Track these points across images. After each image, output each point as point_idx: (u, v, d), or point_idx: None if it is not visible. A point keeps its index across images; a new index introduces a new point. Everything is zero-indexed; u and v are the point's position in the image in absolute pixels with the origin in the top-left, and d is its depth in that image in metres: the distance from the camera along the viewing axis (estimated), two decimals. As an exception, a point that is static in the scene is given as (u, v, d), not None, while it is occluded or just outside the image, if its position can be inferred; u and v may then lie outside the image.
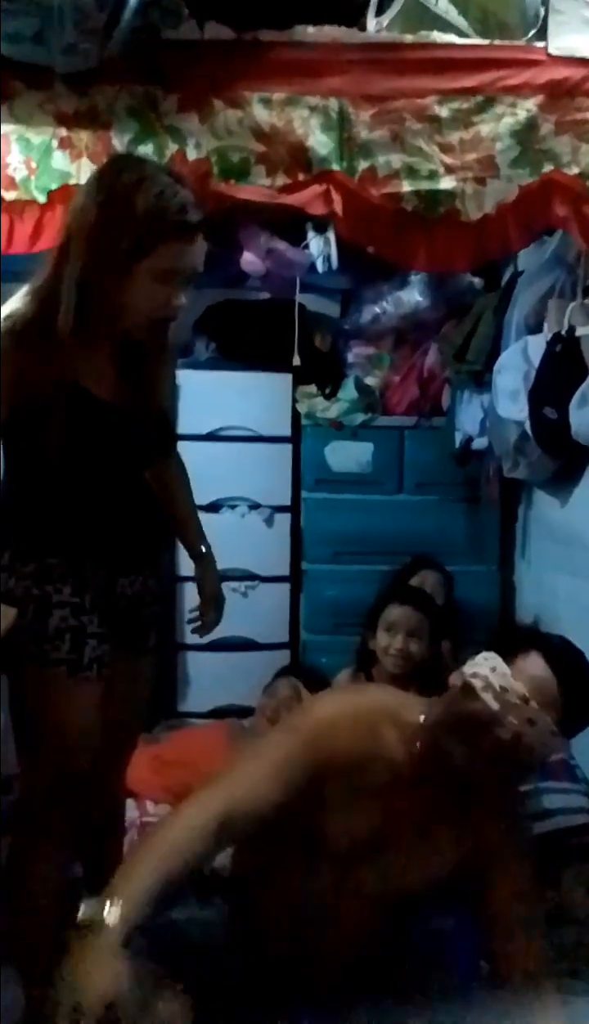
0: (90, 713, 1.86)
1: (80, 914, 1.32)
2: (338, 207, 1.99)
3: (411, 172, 1.99)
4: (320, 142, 1.98)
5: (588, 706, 1.56)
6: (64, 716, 1.83)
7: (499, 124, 2.00)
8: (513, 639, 1.59)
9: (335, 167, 1.98)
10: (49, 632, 1.81)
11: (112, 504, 1.87)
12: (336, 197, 1.99)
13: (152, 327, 1.78)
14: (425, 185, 2.00)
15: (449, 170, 2.00)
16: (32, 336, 1.73)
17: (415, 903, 1.71)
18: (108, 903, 1.31)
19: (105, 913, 1.30)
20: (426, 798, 1.58)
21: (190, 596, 3.68)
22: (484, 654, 1.57)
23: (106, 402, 1.80)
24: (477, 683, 1.51)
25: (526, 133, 2.01)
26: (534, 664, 1.53)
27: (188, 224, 1.68)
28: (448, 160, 2.00)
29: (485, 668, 1.53)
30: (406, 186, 1.99)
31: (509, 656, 1.54)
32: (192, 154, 1.97)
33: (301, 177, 1.99)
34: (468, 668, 1.55)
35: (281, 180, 1.99)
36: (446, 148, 2.00)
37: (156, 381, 1.91)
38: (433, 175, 2.00)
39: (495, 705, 1.48)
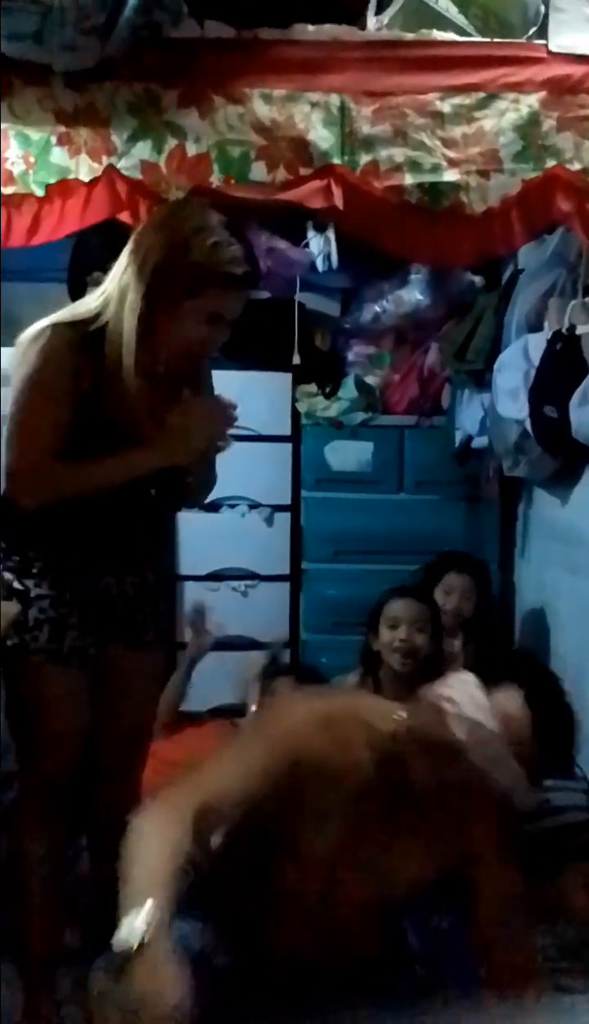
0: (75, 702, 1.93)
1: (115, 942, 1.28)
2: (339, 201, 1.99)
3: (414, 166, 1.99)
4: (321, 136, 1.97)
5: (560, 752, 1.53)
6: (47, 704, 1.91)
7: (502, 119, 2.00)
8: (498, 666, 1.55)
9: (336, 161, 1.98)
10: (29, 623, 1.89)
11: (102, 511, 1.91)
12: (337, 191, 1.98)
13: (187, 361, 1.96)
14: (429, 178, 1.99)
15: (452, 164, 1.99)
16: (76, 348, 1.87)
17: (403, 908, 1.68)
18: (136, 916, 1.28)
19: (139, 925, 1.27)
20: (398, 804, 1.54)
21: (190, 596, 3.71)
22: (464, 676, 1.53)
23: (125, 433, 1.89)
24: (449, 708, 1.47)
25: (528, 128, 2.00)
26: (512, 700, 1.48)
27: (235, 277, 1.87)
28: (451, 154, 1.99)
29: (462, 694, 1.48)
30: (409, 179, 1.99)
31: (490, 683, 1.50)
32: (192, 149, 1.97)
33: (302, 172, 1.98)
34: (445, 689, 1.51)
35: (282, 175, 1.98)
36: (449, 142, 1.99)
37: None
38: (436, 168, 1.99)
39: (463, 737, 1.44)
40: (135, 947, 1.26)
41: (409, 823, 1.55)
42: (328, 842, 1.54)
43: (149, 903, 1.29)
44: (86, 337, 1.87)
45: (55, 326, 1.89)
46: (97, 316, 1.88)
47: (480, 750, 1.44)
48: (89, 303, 1.93)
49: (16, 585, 1.90)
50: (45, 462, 1.85)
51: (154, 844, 1.39)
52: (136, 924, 1.27)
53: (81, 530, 1.91)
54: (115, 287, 1.88)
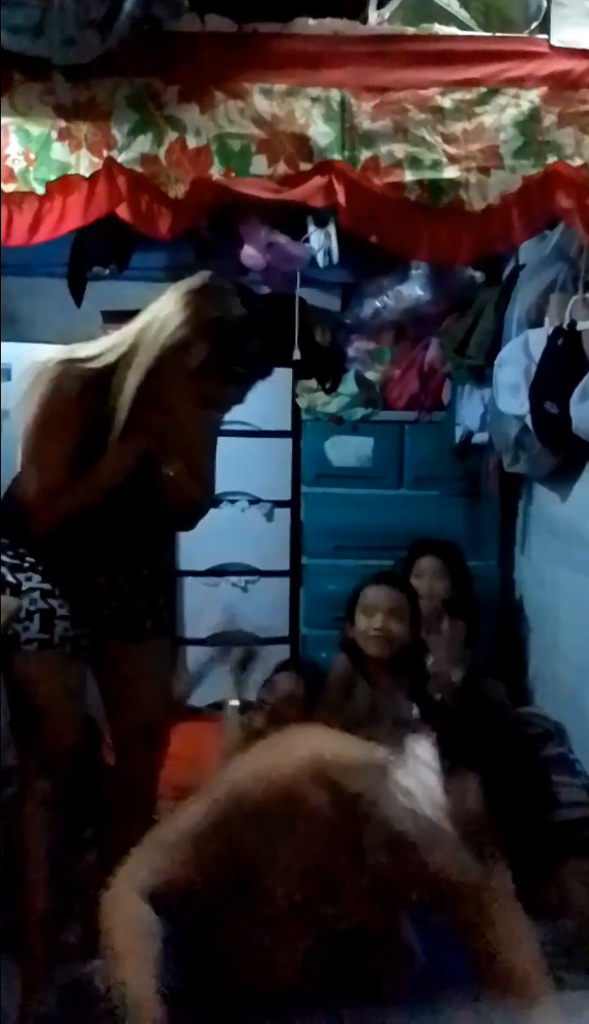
0: (68, 689, 2.01)
1: None
2: (340, 197, 1.98)
3: (414, 162, 1.98)
4: (321, 132, 1.97)
5: (522, 839, 1.48)
6: (40, 690, 1.99)
7: (502, 115, 1.99)
8: (457, 749, 1.48)
9: (337, 157, 1.97)
10: (22, 615, 1.97)
11: (90, 519, 1.97)
12: (338, 187, 1.98)
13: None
14: (429, 175, 1.99)
15: (453, 160, 1.99)
16: (84, 389, 1.92)
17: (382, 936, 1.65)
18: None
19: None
20: (361, 854, 1.48)
21: (190, 591, 3.71)
22: (423, 756, 1.46)
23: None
24: (405, 803, 1.42)
25: (529, 124, 2.00)
26: (470, 791, 1.42)
27: (240, 375, 1.93)
28: (451, 150, 1.99)
29: (414, 781, 1.43)
30: (409, 176, 1.98)
31: (449, 767, 1.44)
32: (192, 143, 1.97)
33: (302, 166, 1.98)
34: (400, 774, 1.45)
35: (282, 169, 1.98)
36: (449, 138, 1.99)
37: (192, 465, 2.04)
38: (437, 165, 1.99)
39: (412, 832, 1.40)
40: None
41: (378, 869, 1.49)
42: (294, 895, 1.51)
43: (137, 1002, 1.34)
44: (93, 377, 1.92)
45: (65, 364, 1.93)
46: (106, 359, 1.93)
47: (430, 848, 1.40)
48: (101, 345, 1.97)
49: (9, 579, 1.99)
50: (55, 492, 1.93)
51: (124, 924, 1.45)
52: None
53: (70, 538, 1.98)
54: (129, 343, 1.92)
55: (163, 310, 1.92)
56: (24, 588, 1.99)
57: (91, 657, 2.06)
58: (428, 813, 1.41)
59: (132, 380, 1.89)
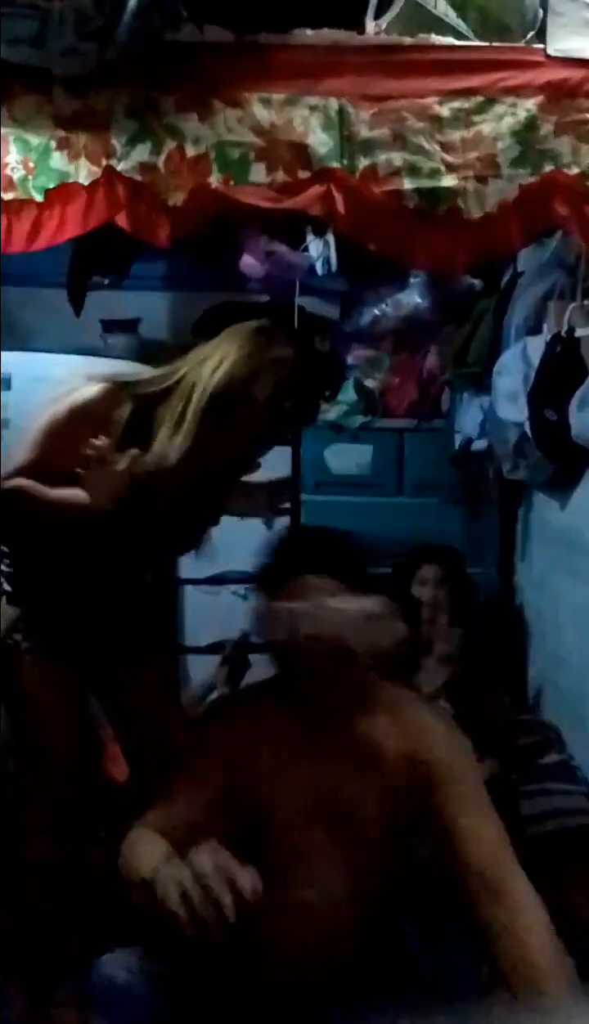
0: (66, 698, 2.01)
1: None
2: (339, 205, 1.99)
3: (413, 170, 1.99)
4: (320, 140, 1.98)
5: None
6: (38, 700, 1.99)
7: (500, 124, 2.00)
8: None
9: (335, 165, 1.98)
10: (19, 624, 1.98)
11: (92, 533, 1.96)
12: (337, 195, 1.99)
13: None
14: (427, 183, 2.00)
15: (451, 168, 2.00)
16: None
17: (393, 899, 1.70)
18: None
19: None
20: (336, 749, 1.61)
21: (190, 602, 3.70)
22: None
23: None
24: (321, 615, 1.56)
25: (527, 133, 2.01)
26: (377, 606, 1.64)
27: (292, 415, 2.21)
28: (449, 158, 2.00)
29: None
30: (408, 184, 1.99)
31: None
32: (191, 151, 1.97)
33: (301, 175, 1.99)
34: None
35: (281, 177, 1.99)
36: (447, 147, 2.00)
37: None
38: (435, 173, 2.00)
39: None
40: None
41: (359, 758, 1.62)
42: (297, 800, 1.60)
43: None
44: (142, 403, 1.97)
45: (116, 383, 1.99)
46: (152, 387, 1.99)
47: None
48: (155, 373, 2.03)
49: (6, 587, 2.00)
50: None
51: (138, 845, 1.52)
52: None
53: (68, 548, 1.97)
54: (179, 374, 1.99)
55: (222, 346, 1.99)
56: (21, 597, 2.00)
57: (90, 667, 2.05)
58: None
59: (193, 408, 1.94)
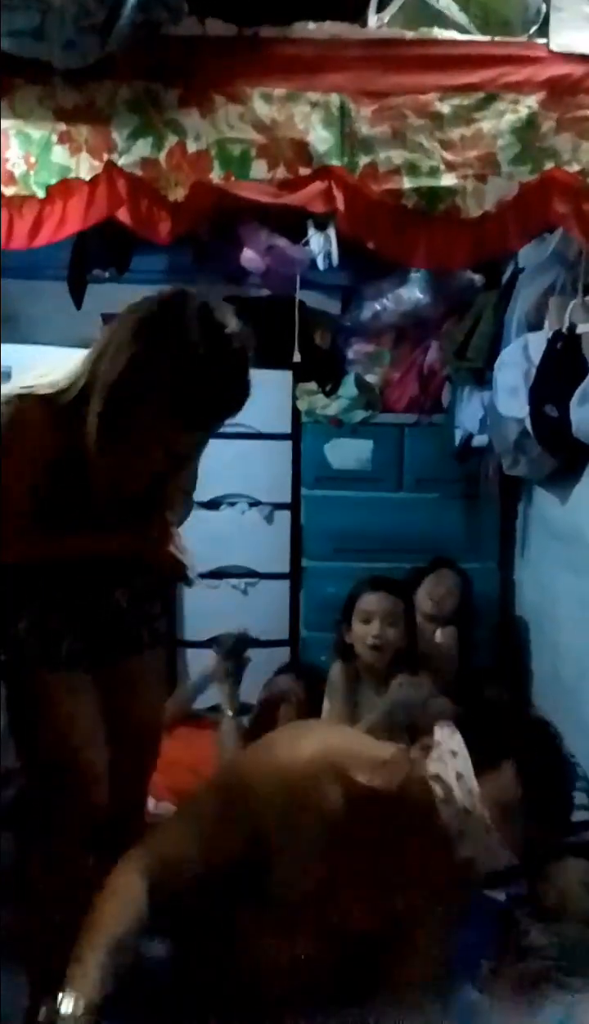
0: (77, 707, 1.90)
1: (40, 1017, 1.32)
2: (339, 203, 1.99)
3: (412, 168, 1.99)
4: (321, 137, 1.97)
5: (555, 828, 1.49)
6: (48, 709, 1.88)
7: (500, 121, 2.00)
8: (492, 740, 1.49)
9: (336, 162, 1.98)
10: (22, 634, 1.88)
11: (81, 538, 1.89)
12: (337, 193, 1.99)
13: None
14: (426, 182, 2.00)
15: (450, 167, 2.00)
16: (44, 424, 1.75)
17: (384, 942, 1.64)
18: (67, 997, 1.31)
19: (67, 1008, 1.30)
20: (370, 852, 1.51)
21: (190, 596, 3.70)
22: (452, 745, 1.46)
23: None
24: (437, 790, 1.42)
25: (527, 130, 2.00)
26: (505, 779, 1.42)
27: (197, 421, 1.73)
28: (449, 157, 1.99)
29: (450, 773, 1.42)
30: (407, 183, 1.99)
31: (482, 758, 1.44)
32: (192, 147, 1.97)
33: (302, 171, 1.99)
34: (432, 763, 1.45)
35: (282, 174, 1.99)
36: (447, 145, 2.00)
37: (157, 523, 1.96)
38: (434, 172, 1.99)
39: (452, 824, 1.40)
40: None
41: (366, 872, 1.52)
42: (301, 889, 1.51)
43: (80, 987, 1.32)
44: (56, 412, 1.74)
45: (22, 399, 1.75)
46: (71, 392, 1.75)
47: (470, 837, 1.41)
48: (67, 374, 1.77)
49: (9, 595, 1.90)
50: (22, 526, 1.80)
51: (113, 906, 1.44)
52: (60, 1004, 1.30)
53: (61, 557, 1.91)
54: (86, 374, 1.74)
55: (114, 338, 1.69)
56: (23, 607, 1.90)
57: (92, 671, 1.96)
58: (465, 802, 1.41)
59: (92, 418, 1.70)
